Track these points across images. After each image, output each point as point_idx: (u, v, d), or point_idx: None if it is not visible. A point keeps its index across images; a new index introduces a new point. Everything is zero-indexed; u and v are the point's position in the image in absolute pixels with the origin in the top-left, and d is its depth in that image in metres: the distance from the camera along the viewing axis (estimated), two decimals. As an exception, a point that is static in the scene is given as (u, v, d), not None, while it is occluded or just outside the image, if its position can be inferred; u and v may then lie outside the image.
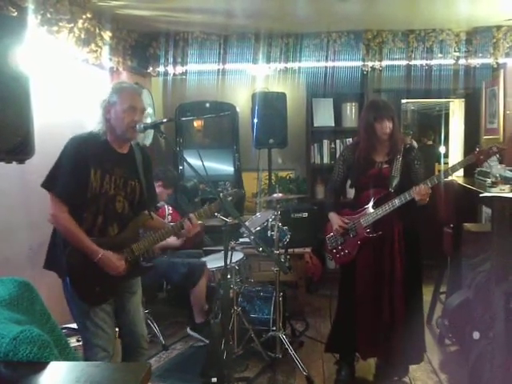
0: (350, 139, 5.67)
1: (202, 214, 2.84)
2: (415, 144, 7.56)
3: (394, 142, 3.32)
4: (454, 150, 6.83)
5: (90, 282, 2.56)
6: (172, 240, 4.12)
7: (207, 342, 4.18)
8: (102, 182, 2.57)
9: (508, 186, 3.80)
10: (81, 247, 2.52)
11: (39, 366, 1.38)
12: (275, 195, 4.05)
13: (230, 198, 2.92)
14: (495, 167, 4.10)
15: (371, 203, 3.29)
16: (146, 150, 2.85)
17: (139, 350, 2.86)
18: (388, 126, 3.26)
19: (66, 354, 1.85)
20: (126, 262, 2.63)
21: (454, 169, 3.19)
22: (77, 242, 2.52)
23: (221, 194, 2.90)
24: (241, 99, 6.07)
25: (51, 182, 2.53)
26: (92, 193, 2.54)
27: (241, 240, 4.66)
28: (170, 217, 4.46)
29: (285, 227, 4.17)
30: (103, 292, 2.62)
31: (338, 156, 3.76)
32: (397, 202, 3.19)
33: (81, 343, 2.92)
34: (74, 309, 2.63)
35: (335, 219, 3.43)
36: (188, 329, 4.43)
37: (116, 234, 2.66)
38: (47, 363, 1.40)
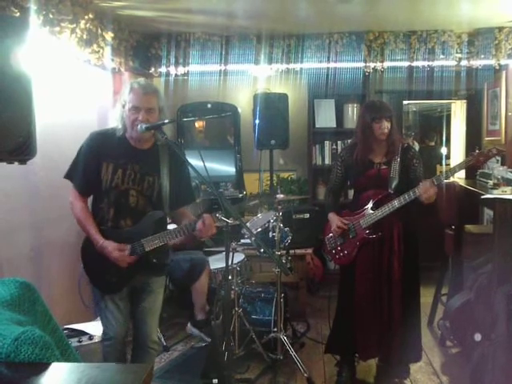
0: (352, 139, 5.67)
1: (220, 217, 2.71)
2: (416, 145, 7.58)
3: (392, 142, 3.32)
4: (456, 151, 6.82)
5: (100, 271, 2.67)
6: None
7: (208, 339, 4.19)
8: (113, 176, 2.65)
9: (510, 187, 3.80)
10: (88, 235, 2.66)
11: (41, 367, 1.38)
12: (277, 196, 4.05)
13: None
14: (497, 169, 4.10)
15: (370, 204, 3.29)
16: (175, 147, 2.77)
17: (146, 349, 2.89)
18: (386, 126, 3.26)
19: (68, 355, 1.84)
20: (131, 252, 2.65)
21: (454, 171, 3.19)
22: (84, 229, 2.67)
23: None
24: (242, 100, 6.07)
25: (71, 173, 2.71)
26: (104, 186, 2.66)
27: (242, 241, 4.66)
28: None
29: (286, 228, 4.16)
30: (113, 282, 2.69)
31: (336, 157, 3.76)
32: (396, 203, 3.18)
33: (82, 344, 2.95)
34: (93, 293, 2.81)
35: (334, 220, 3.43)
36: (189, 324, 4.42)
37: (128, 226, 2.70)
38: (49, 364, 1.40)
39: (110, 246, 2.61)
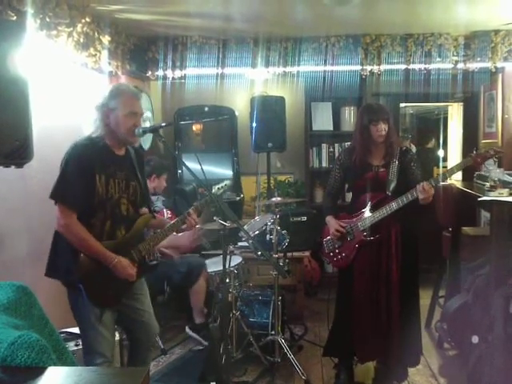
0: (349, 143, 5.66)
1: (199, 208, 2.83)
2: (413, 148, 7.59)
3: (390, 144, 3.33)
4: (453, 153, 6.84)
5: (103, 286, 2.59)
6: (182, 243, 4.09)
7: (206, 343, 4.18)
8: (107, 187, 2.59)
9: (506, 189, 3.80)
10: (94, 254, 2.53)
11: (37, 371, 1.38)
12: (274, 199, 4.05)
13: (223, 188, 3.00)
14: (494, 171, 4.10)
15: (368, 207, 3.30)
16: (138, 148, 2.86)
17: (149, 347, 2.94)
18: (383, 128, 3.27)
19: (64, 359, 1.84)
20: (136, 265, 2.66)
21: (452, 172, 3.20)
22: (90, 249, 2.52)
23: (214, 188, 2.94)
24: (239, 103, 6.07)
25: (59, 192, 2.51)
26: (98, 199, 2.56)
27: (239, 244, 4.66)
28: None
29: (283, 231, 4.17)
30: (116, 294, 2.66)
31: (335, 160, 3.77)
32: (394, 205, 3.19)
33: (79, 347, 2.92)
34: (80, 316, 2.64)
35: (332, 223, 3.43)
36: (187, 328, 4.42)
37: (123, 235, 2.68)
38: (45, 368, 1.40)
39: (125, 263, 2.58)
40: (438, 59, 4.91)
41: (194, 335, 4.35)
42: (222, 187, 3.01)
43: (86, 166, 2.53)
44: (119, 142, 2.66)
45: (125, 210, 2.68)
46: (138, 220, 2.75)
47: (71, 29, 3.53)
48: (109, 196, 2.60)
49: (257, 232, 4.09)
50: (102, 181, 2.56)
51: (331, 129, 6.02)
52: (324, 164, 6.02)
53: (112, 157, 2.65)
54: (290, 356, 3.77)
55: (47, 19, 3.24)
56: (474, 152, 3.16)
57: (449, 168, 3.38)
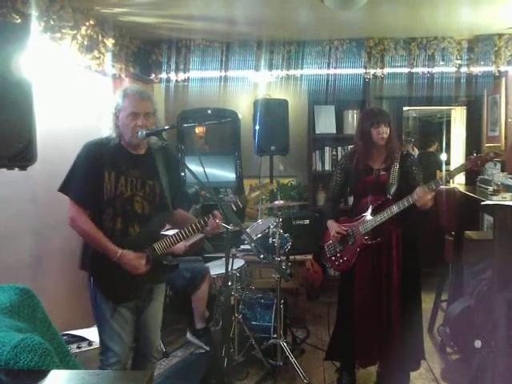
0: (352, 146, 5.68)
1: (224, 211, 2.68)
2: (416, 151, 7.58)
3: (391, 148, 3.33)
4: (456, 157, 6.83)
5: (112, 281, 2.62)
6: (177, 247, 4.10)
7: (207, 348, 4.18)
8: (117, 184, 2.61)
9: (510, 193, 3.80)
10: (99, 248, 2.58)
11: (40, 374, 1.38)
12: (277, 202, 4.05)
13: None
14: (497, 175, 4.10)
15: (369, 210, 3.30)
16: (168, 150, 2.74)
17: (149, 357, 2.88)
18: (384, 131, 3.27)
19: (67, 362, 1.85)
20: (147, 260, 2.66)
21: (452, 174, 3.21)
22: (95, 243, 2.59)
23: (253, 193, 2.86)
24: (243, 106, 6.08)
25: (67, 187, 2.60)
26: (108, 195, 2.60)
27: (242, 247, 4.66)
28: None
29: (286, 234, 4.17)
30: (126, 291, 2.66)
31: (336, 165, 3.77)
32: (395, 208, 3.19)
33: (81, 350, 2.93)
34: (96, 309, 2.68)
35: (333, 226, 3.43)
36: (188, 334, 4.42)
37: (137, 233, 2.69)
38: (48, 371, 1.40)
39: (129, 255, 2.60)
40: (441, 63, 4.90)
41: (195, 341, 4.34)
42: (260, 191, 2.87)
43: (95, 163, 2.58)
44: (129, 143, 2.68)
45: (139, 208, 2.69)
46: (155, 218, 2.74)
47: (75, 31, 3.54)
48: (118, 193, 2.62)
49: (259, 235, 4.09)
50: (112, 178, 2.60)
51: (334, 132, 6.02)
52: (327, 167, 6.02)
53: (126, 155, 2.67)
54: (292, 359, 3.77)
55: (51, 22, 3.25)
56: (474, 155, 3.16)
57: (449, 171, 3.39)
